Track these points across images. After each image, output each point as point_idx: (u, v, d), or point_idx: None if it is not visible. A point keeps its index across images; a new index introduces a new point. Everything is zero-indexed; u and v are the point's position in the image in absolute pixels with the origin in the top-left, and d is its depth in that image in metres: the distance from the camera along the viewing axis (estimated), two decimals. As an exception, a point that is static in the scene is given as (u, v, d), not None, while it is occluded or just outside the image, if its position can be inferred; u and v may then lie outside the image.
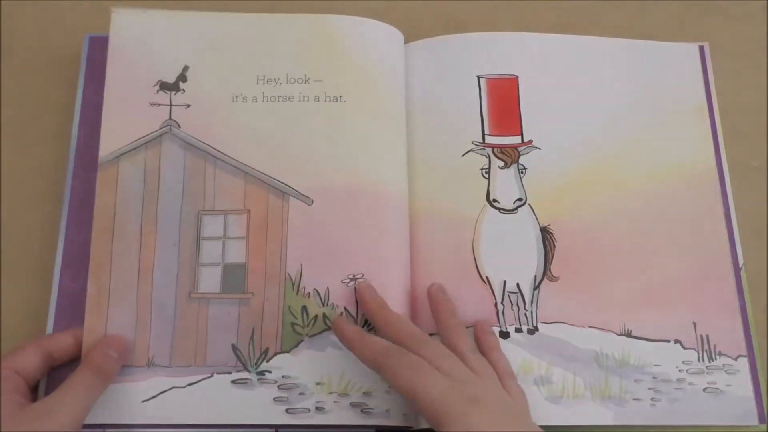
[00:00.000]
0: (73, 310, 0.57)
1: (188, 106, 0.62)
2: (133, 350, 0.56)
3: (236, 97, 0.62)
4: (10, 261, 0.61)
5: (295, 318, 0.57)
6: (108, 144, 0.60)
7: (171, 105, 0.61)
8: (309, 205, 0.59)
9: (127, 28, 0.63)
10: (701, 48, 0.66)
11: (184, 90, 0.62)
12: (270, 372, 0.55)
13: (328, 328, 0.56)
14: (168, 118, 0.61)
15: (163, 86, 0.62)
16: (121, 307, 0.57)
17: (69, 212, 0.60)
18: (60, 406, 0.50)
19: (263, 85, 0.62)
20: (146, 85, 0.62)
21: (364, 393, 0.54)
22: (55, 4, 0.69)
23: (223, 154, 0.60)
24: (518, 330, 0.58)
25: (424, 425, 0.55)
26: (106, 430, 0.54)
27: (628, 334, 0.58)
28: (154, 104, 0.61)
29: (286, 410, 0.54)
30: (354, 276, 0.57)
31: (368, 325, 0.56)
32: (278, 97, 0.62)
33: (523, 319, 0.58)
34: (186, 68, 0.62)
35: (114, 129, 0.60)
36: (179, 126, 0.61)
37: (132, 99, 0.61)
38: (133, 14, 0.63)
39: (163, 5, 0.67)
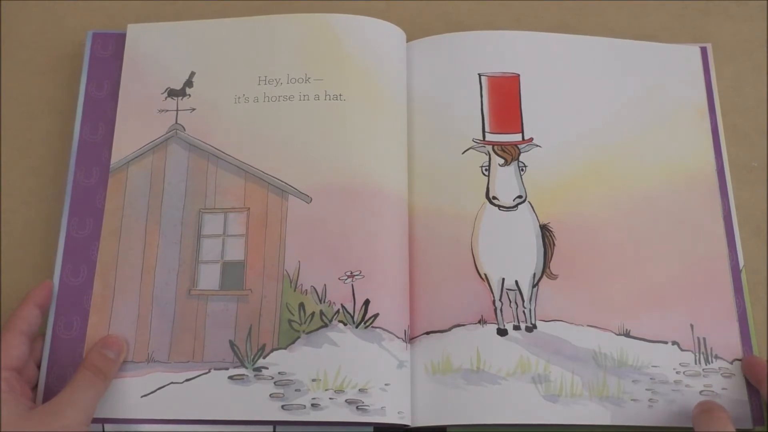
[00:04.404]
0: (72, 304, 0.58)
1: (193, 109, 0.62)
2: (130, 348, 0.56)
3: (238, 98, 0.62)
4: (12, 257, 0.61)
5: (293, 315, 0.57)
6: (119, 151, 0.61)
7: (177, 110, 0.62)
8: (308, 203, 0.59)
9: (139, 42, 0.64)
10: (703, 49, 0.66)
11: (190, 95, 0.63)
12: (266, 368, 0.55)
13: (325, 325, 0.56)
14: (174, 122, 0.62)
15: (171, 93, 0.63)
16: (124, 304, 0.57)
17: (70, 209, 0.60)
18: (66, 406, 0.51)
19: (264, 85, 0.63)
20: (156, 94, 0.63)
21: (359, 390, 0.54)
22: (56, 3, 0.70)
23: (224, 153, 0.61)
24: (516, 327, 0.57)
25: (419, 424, 0.55)
26: (106, 424, 0.55)
27: (627, 334, 0.57)
28: (163, 110, 0.62)
29: (282, 406, 0.54)
30: (351, 273, 0.57)
31: (366, 321, 0.56)
32: (279, 96, 0.62)
33: (521, 316, 0.58)
34: (192, 74, 0.63)
35: (125, 137, 0.62)
36: (184, 129, 0.62)
37: (143, 108, 0.62)
38: (146, 28, 0.65)
39: (166, 8, 0.68)
